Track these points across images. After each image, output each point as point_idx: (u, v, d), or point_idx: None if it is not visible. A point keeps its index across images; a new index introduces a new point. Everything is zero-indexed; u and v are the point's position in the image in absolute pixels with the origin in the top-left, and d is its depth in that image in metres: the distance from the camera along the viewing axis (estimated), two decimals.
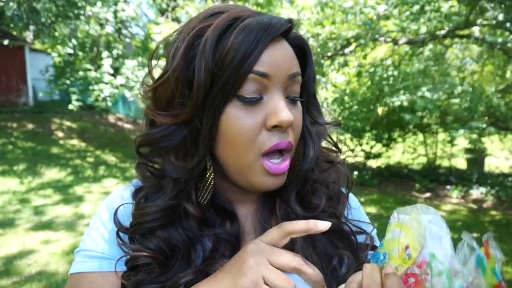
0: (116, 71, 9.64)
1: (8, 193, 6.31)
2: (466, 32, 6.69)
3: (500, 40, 6.08)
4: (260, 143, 0.60)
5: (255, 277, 0.49)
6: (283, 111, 0.59)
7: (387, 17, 6.08)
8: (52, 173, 7.80)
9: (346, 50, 6.91)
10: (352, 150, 9.12)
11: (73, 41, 10.46)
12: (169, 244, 0.63)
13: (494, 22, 5.73)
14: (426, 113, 6.59)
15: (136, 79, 9.04)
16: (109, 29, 10.36)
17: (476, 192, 7.21)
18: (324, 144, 0.76)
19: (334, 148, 0.78)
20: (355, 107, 7.03)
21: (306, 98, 0.69)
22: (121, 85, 9.19)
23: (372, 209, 6.20)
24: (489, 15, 5.83)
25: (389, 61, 7.51)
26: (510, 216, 6.03)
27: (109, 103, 9.56)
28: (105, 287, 0.63)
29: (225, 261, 0.58)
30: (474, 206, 6.66)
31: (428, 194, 7.50)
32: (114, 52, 10.08)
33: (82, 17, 10.30)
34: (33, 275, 3.65)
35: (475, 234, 0.47)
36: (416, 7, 5.78)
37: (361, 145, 9.05)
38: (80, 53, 10.54)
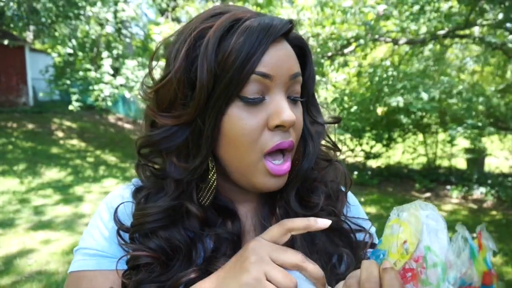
0: (116, 71, 9.64)
1: (8, 193, 6.31)
2: (466, 32, 6.69)
3: (498, 41, 6.07)
4: (263, 143, 0.60)
5: (257, 274, 0.49)
6: (285, 111, 0.59)
7: (387, 17, 6.07)
8: (52, 173, 7.80)
9: (346, 50, 6.90)
10: (352, 150, 9.11)
11: (73, 41, 10.45)
12: (171, 244, 0.63)
13: (494, 22, 5.73)
14: (424, 114, 6.58)
15: (136, 79, 9.05)
16: (109, 29, 10.34)
17: (476, 192, 7.20)
18: (323, 143, 0.76)
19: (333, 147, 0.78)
20: (355, 107, 7.03)
21: (306, 98, 0.69)
22: (121, 85, 9.20)
23: (372, 209, 6.20)
24: (489, 16, 5.84)
25: (388, 62, 7.50)
26: (510, 216, 6.02)
27: (109, 103, 9.56)
28: (105, 285, 0.63)
29: (227, 260, 0.58)
30: (474, 206, 6.66)
31: (428, 194, 7.50)
32: (114, 52, 10.08)
33: (82, 17, 10.29)
34: (33, 274, 3.65)
35: (474, 235, 0.47)
36: (416, 7, 5.78)
37: (361, 145, 9.04)
38: (80, 53, 10.52)
